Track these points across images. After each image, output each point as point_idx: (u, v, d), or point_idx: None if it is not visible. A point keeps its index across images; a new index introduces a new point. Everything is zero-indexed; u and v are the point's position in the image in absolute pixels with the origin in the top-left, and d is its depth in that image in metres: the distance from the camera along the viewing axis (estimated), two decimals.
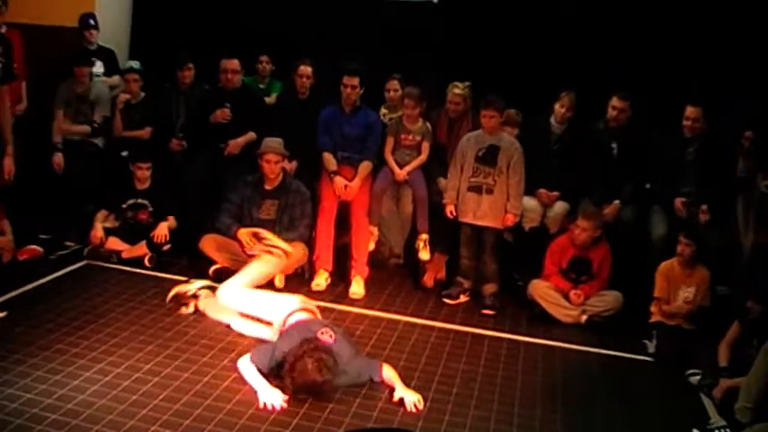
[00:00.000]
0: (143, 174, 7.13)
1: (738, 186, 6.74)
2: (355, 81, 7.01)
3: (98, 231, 7.01)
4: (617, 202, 7.03)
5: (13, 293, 6.04)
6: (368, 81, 7.20)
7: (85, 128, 7.59)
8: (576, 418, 4.92)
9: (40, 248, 6.95)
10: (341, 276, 7.10)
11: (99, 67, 8.21)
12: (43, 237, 7.16)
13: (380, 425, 4.60)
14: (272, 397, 4.67)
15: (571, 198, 7.19)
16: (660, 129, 7.17)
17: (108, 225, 7.14)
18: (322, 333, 5.01)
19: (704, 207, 6.69)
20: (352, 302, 6.70)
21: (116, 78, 8.29)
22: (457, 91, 7.29)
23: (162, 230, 6.99)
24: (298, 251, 6.72)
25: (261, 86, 8.46)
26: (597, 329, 6.41)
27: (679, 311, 6.22)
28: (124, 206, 7.17)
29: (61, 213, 7.39)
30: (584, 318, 6.51)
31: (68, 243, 7.22)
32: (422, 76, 7.50)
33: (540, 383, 5.42)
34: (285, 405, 4.66)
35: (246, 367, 4.91)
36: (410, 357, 5.62)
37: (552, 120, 7.34)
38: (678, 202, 6.80)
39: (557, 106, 7.26)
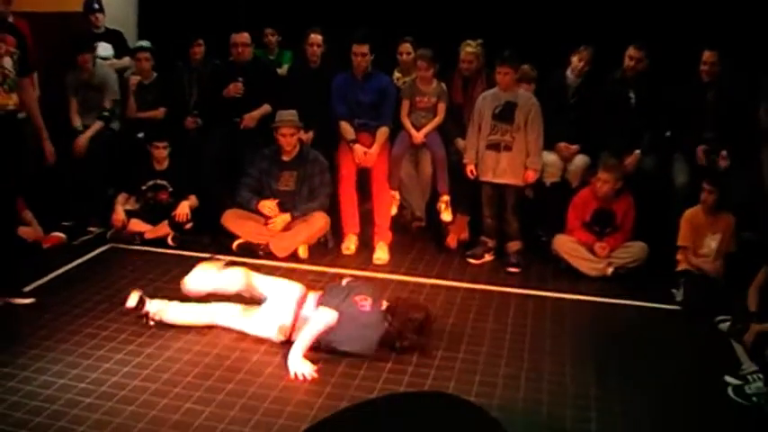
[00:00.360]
0: (160, 154, 7.13)
1: (763, 135, 6.66)
2: (365, 48, 6.95)
3: (119, 214, 7.05)
4: (637, 152, 6.99)
5: (40, 281, 6.09)
6: (379, 45, 7.14)
7: (98, 124, 7.57)
8: (606, 371, 4.91)
9: (63, 235, 7.00)
10: (364, 243, 7.11)
11: (108, 50, 8.18)
12: (66, 224, 7.21)
13: (413, 389, 4.62)
14: (302, 367, 4.70)
15: (591, 151, 7.14)
16: (677, 76, 7.08)
17: (129, 207, 7.17)
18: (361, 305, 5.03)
19: (723, 153, 6.63)
20: (377, 268, 6.72)
21: (126, 60, 8.27)
22: (469, 49, 7.23)
23: (183, 209, 7.01)
24: (319, 221, 6.74)
25: (270, 58, 8.42)
26: (623, 281, 6.41)
27: (704, 266, 6.19)
28: (144, 188, 7.19)
29: (82, 199, 7.43)
30: (609, 270, 6.49)
31: (91, 228, 7.28)
32: (434, 36, 7.43)
33: (568, 338, 5.41)
34: (315, 375, 4.69)
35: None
36: (437, 319, 5.60)
37: (568, 73, 7.29)
38: (700, 150, 6.74)
39: (574, 59, 7.21)
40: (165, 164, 7.19)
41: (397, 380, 4.73)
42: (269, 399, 4.45)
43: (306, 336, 4.84)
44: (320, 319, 4.89)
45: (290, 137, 6.68)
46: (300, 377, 4.67)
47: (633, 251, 6.54)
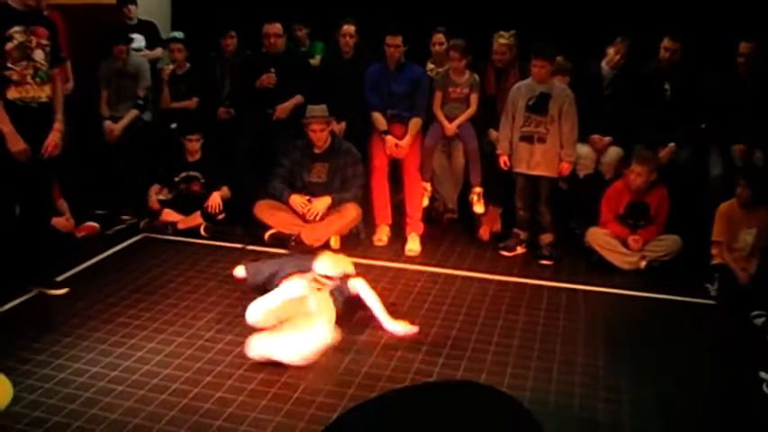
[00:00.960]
0: (193, 146, 7.18)
1: None
2: (398, 40, 6.92)
3: (154, 202, 7.13)
4: (672, 144, 6.92)
5: (74, 270, 6.15)
6: (412, 36, 7.12)
7: (133, 113, 7.63)
8: (639, 365, 4.87)
9: (96, 225, 7.07)
10: (396, 234, 7.10)
11: (140, 41, 8.24)
12: (99, 213, 7.27)
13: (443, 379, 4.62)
14: (404, 328, 5.11)
15: (625, 143, 7.08)
16: (713, 68, 7.00)
17: (162, 197, 7.22)
18: None
19: (759, 154, 6.57)
20: (409, 259, 6.71)
21: (159, 51, 8.32)
22: (502, 40, 7.21)
23: (215, 200, 7.05)
24: (351, 212, 6.74)
25: (302, 50, 8.42)
26: (657, 275, 6.35)
27: (735, 267, 6.10)
28: (176, 179, 7.24)
29: (115, 189, 7.50)
30: (643, 263, 6.44)
31: (124, 217, 7.33)
32: (467, 27, 7.39)
33: (601, 332, 5.37)
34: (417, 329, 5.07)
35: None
36: (469, 311, 5.61)
37: (603, 64, 7.23)
38: (737, 150, 6.67)
39: (611, 51, 7.16)
40: (198, 155, 7.23)
41: (428, 371, 4.72)
42: (299, 389, 4.46)
43: (375, 304, 5.21)
44: (362, 285, 5.26)
45: (321, 132, 6.69)
46: (411, 333, 5.05)
47: (667, 244, 6.48)
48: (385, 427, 2.41)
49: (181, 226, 7.06)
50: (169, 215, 7.11)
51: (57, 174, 6.06)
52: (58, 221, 6.64)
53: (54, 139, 5.56)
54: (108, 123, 7.55)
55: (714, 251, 6.23)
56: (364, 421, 2.51)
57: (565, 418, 4.25)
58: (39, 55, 5.34)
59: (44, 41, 5.37)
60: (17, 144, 5.22)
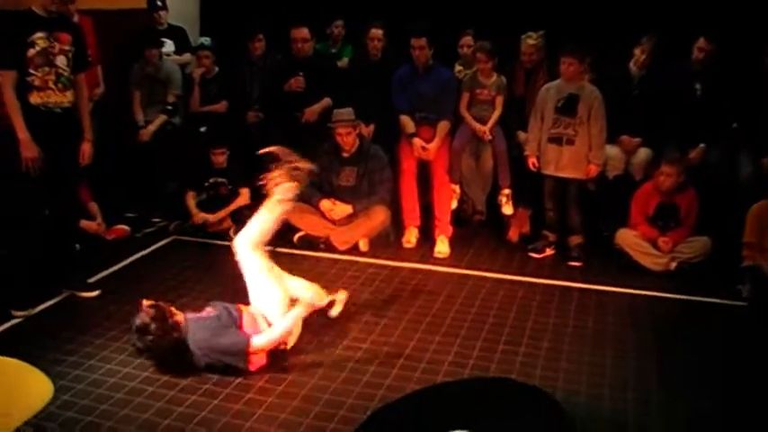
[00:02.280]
0: (218, 159, 7.25)
1: None
2: (422, 42, 6.88)
3: (197, 215, 7.17)
4: (702, 145, 6.88)
5: (105, 273, 6.22)
6: (440, 39, 7.11)
7: (162, 118, 7.70)
8: (669, 367, 4.85)
9: (127, 227, 7.14)
10: (425, 236, 7.11)
11: (170, 46, 8.30)
12: (129, 215, 7.34)
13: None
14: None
15: (654, 144, 7.04)
16: (743, 68, 6.96)
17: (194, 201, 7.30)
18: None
19: None
20: (438, 262, 6.71)
21: (187, 56, 8.38)
22: (530, 41, 7.19)
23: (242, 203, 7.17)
24: (380, 215, 6.75)
25: (333, 51, 8.45)
26: (687, 277, 6.30)
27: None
28: (206, 184, 7.31)
29: (145, 192, 7.57)
30: (673, 265, 6.40)
31: (155, 220, 7.39)
32: (495, 28, 7.38)
33: (631, 334, 5.34)
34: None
35: None
36: (499, 313, 5.61)
37: (631, 65, 7.20)
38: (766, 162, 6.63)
39: (637, 51, 7.12)
40: (225, 164, 7.29)
41: (457, 372, 4.71)
42: (329, 390, 4.47)
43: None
44: None
45: (347, 136, 6.71)
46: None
47: (697, 246, 6.43)
48: (423, 419, 2.43)
49: (210, 229, 7.11)
50: (200, 216, 7.16)
51: (83, 177, 6.11)
52: (89, 225, 6.71)
53: (87, 149, 5.64)
54: (142, 133, 7.61)
55: (746, 252, 6.17)
56: (404, 414, 2.53)
57: (594, 420, 4.23)
58: (61, 61, 5.38)
59: (67, 47, 5.41)
60: (31, 151, 5.26)
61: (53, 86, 5.36)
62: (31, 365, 3.26)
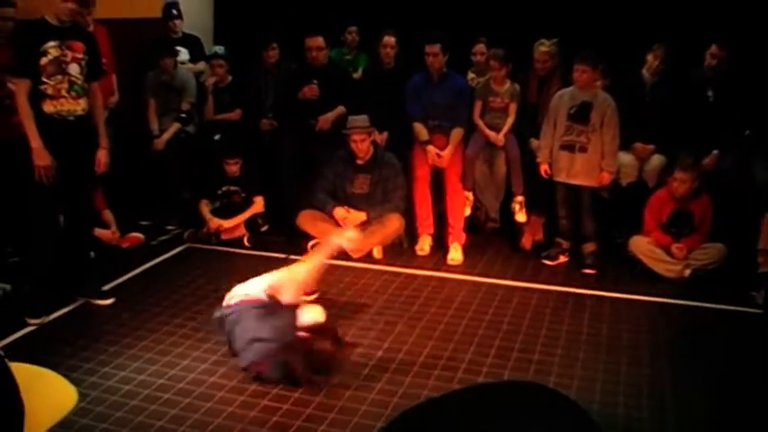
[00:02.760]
0: (231, 169, 7.30)
1: None
2: (436, 48, 6.90)
3: (213, 222, 7.21)
4: (716, 151, 6.86)
5: (120, 280, 6.25)
6: (454, 46, 7.12)
7: (176, 126, 7.75)
8: (684, 375, 4.83)
9: (141, 235, 7.18)
10: (439, 244, 7.11)
11: (185, 55, 8.33)
12: (144, 223, 7.39)
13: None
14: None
15: (668, 150, 7.03)
16: (756, 73, 6.94)
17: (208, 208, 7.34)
18: None
19: None
20: (451, 269, 6.72)
21: (202, 64, 8.41)
22: (543, 48, 7.20)
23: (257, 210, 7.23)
24: (394, 222, 6.76)
25: (348, 57, 8.46)
26: (702, 284, 6.29)
27: None
28: (219, 192, 7.35)
29: (159, 199, 7.61)
30: (687, 272, 6.38)
31: (169, 227, 7.43)
32: (509, 36, 7.38)
33: (646, 341, 5.33)
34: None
35: None
36: (512, 321, 5.60)
37: (644, 71, 7.19)
38: None
39: (649, 57, 7.12)
40: (238, 173, 7.33)
41: (471, 380, 4.71)
42: (343, 397, 4.47)
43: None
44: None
45: (362, 143, 6.71)
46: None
47: (711, 253, 6.42)
48: (447, 424, 2.43)
49: (225, 237, 7.16)
50: (215, 222, 7.21)
51: (98, 185, 6.14)
52: (103, 233, 6.75)
53: (103, 157, 5.67)
54: (156, 142, 7.65)
55: (761, 259, 6.15)
56: (428, 418, 2.53)
57: (609, 428, 4.22)
58: (74, 69, 5.41)
59: (80, 55, 5.44)
60: (44, 159, 5.29)
61: (66, 95, 5.38)
62: (54, 371, 3.29)
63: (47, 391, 3.11)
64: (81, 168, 5.59)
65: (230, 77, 8.05)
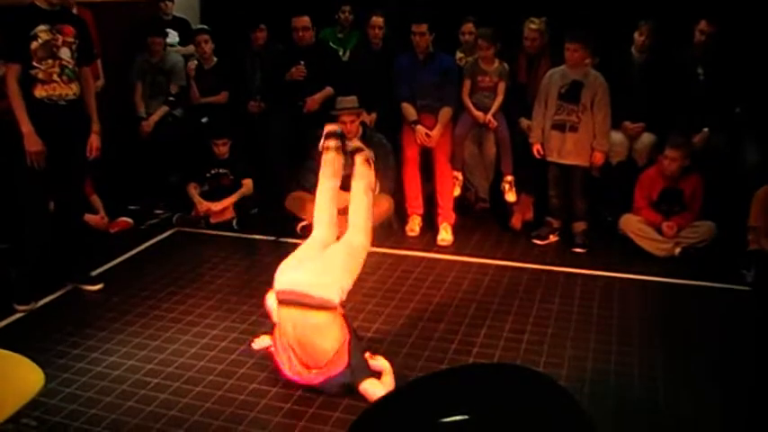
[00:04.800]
0: (220, 150, 7.28)
1: None
2: (423, 28, 6.87)
3: (201, 205, 7.21)
4: (706, 129, 6.84)
5: (109, 265, 6.23)
6: (440, 25, 7.08)
7: (164, 109, 7.72)
8: (674, 353, 4.83)
9: (130, 220, 7.16)
10: (428, 224, 7.09)
11: (174, 37, 8.28)
12: (132, 207, 7.35)
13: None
14: None
15: (658, 129, 7.01)
16: (746, 51, 6.91)
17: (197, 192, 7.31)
18: None
19: None
20: (441, 249, 6.70)
21: (191, 48, 8.33)
22: (533, 26, 7.15)
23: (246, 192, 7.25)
24: (383, 203, 6.73)
25: (339, 36, 8.39)
26: (692, 262, 6.28)
27: None
28: (208, 175, 7.33)
29: (148, 184, 7.57)
30: (678, 250, 6.38)
31: (157, 211, 7.40)
32: (498, 15, 7.33)
33: (636, 319, 5.33)
34: None
35: None
36: (503, 300, 5.60)
37: (633, 50, 7.16)
38: None
39: (636, 35, 7.08)
40: (227, 155, 7.30)
41: (461, 360, 4.72)
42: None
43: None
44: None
45: (351, 123, 6.66)
46: None
47: (701, 231, 6.41)
48: (421, 410, 2.41)
49: (213, 220, 7.14)
50: (203, 205, 7.20)
51: (89, 170, 6.10)
52: (92, 218, 6.72)
53: (95, 142, 5.63)
54: (143, 125, 7.61)
55: (751, 237, 6.15)
56: (402, 404, 2.51)
57: (600, 407, 4.22)
58: (65, 53, 5.36)
59: (70, 39, 5.39)
60: (35, 145, 5.24)
61: (57, 79, 5.34)
62: (20, 355, 3.29)
63: (13, 374, 3.13)
64: (72, 153, 5.54)
65: (216, 59, 7.97)
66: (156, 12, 8.21)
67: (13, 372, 3.24)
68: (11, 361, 3.32)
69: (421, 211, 7.10)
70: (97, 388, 4.36)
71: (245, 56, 8.10)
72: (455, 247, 6.74)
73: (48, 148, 5.31)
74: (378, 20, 7.60)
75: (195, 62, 7.96)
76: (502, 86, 7.03)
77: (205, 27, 8.16)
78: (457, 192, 7.15)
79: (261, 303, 5.32)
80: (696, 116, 6.88)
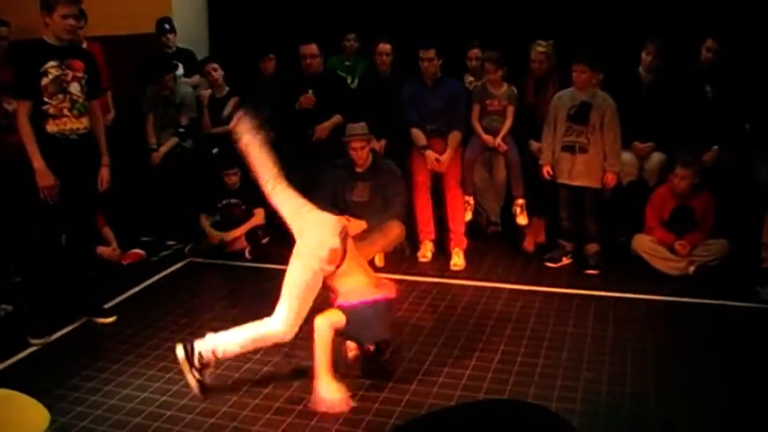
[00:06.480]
0: (231, 180, 7.31)
1: None
2: (431, 54, 6.90)
3: (214, 236, 7.25)
4: (715, 147, 6.83)
5: (121, 298, 6.25)
6: (449, 50, 7.11)
7: (173, 140, 7.76)
8: (690, 373, 4.80)
9: (142, 252, 7.17)
10: (440, 249, 7.09)
11: (179, 69, 8.32)
12: (145, 239, 7.37)
13: (492, 395, 4.58)
14: None
15: (667, 148, 6.99)
16: (753, 68, 6.91)
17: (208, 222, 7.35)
18: None
19: None
20: (454, 274, 6.69)
21: (196, 78, 8.38)
22: (540, 49, 7.18)
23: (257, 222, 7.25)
24: (395, 230, 6.72)
25: (346, 63, 8.42)
26: (706, 280, 6.26)
27: None
28: (219, 205, 7.38)
29: (159, 215, 7.60)
30: (691, 269, 6.36)
31: (169, 243, 7.42)
32: (505, 39, 7.35)
33: (651, 340, 5.30)
34: None
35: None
36: (516, 325, 5.58)
37: (640, 69, 7.17)
38: None
39: (643, 54, 7.10)
40: (237, 185, 7.33)
41: (476, 387, 4.68)
42: (372, 411, 4.45)
43: None
44: None
45: (361, 150, 6.67)
46: None
47: (714, 249, 6.39)
48: None
49: (226, 250, 7.16)
50: (215, 236, 7.25)
51: (101, 203, 6.13)
52: (104, 251, 6.74)
53: (105, 175, 5.67)
54: (154, 156, 7.66)
55: (764, 254, 6.13)
56: None
57: (616, 429, 4.19)
58: (75, 88, 5.41)
59: (80, 74, 5.44)
60: (47, 179, 5.27)
61: (68, 114, 5.38)
62: (25, 395, 3.30)
63: (17, 416, 3.12)
64: (84, 186, 5.57)
65: (227, 89, 7.99)
66: (159, 45, 8.25)
67: (18, 413, 3.24)
68: (16, 402, 3.32)
69: (433, 236, 7.10)
70: (111, 421, 4.35)
71: (256, 85, 8.13)
72: (468, 272, 6.73)
73: (59, 182, 5.34)
74: (385, 47, 7.63)
75: (209, 91, 7.98)
76: (511, 110, 7.05)
77: (211, 57, 8.19)
78: (468, 216, 7.15)
79: None
80: (705, 134, 6.88)
